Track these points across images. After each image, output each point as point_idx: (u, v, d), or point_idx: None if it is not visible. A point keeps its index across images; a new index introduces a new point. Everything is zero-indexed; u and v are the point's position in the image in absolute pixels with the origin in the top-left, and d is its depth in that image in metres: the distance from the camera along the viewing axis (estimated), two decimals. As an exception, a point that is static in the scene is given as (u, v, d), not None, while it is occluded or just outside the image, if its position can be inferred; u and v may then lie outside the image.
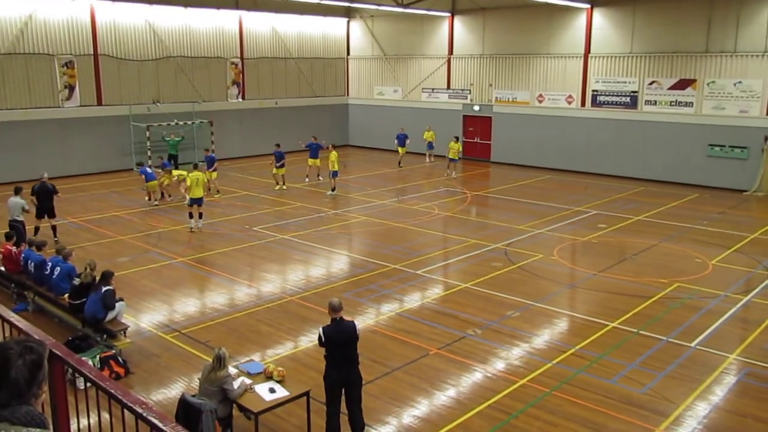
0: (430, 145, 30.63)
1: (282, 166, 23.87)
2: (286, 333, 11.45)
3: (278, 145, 24.22)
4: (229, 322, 11.92)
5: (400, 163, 30.13)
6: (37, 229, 16.33)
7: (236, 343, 10.84)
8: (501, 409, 8.92)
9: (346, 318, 7.96)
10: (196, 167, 19.61)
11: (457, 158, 27.70)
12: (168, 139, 27.05)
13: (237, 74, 32.13)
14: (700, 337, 11.34)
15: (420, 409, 8.96)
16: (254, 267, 15.30)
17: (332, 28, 36.23)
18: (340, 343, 7.68)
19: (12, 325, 4.29)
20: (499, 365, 10.30)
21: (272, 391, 7.82)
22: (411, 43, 34.45)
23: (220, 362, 7.62)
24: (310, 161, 26.10)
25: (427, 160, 31.00)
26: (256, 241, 17.31)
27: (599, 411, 8.86)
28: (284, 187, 23.92)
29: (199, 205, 18.10)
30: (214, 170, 22.97)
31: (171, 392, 9.23)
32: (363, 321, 11.82)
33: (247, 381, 7.93)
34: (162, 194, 22.07)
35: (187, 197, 18.13)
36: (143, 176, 21.33)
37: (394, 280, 14.32)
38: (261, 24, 32.69)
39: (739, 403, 9.24)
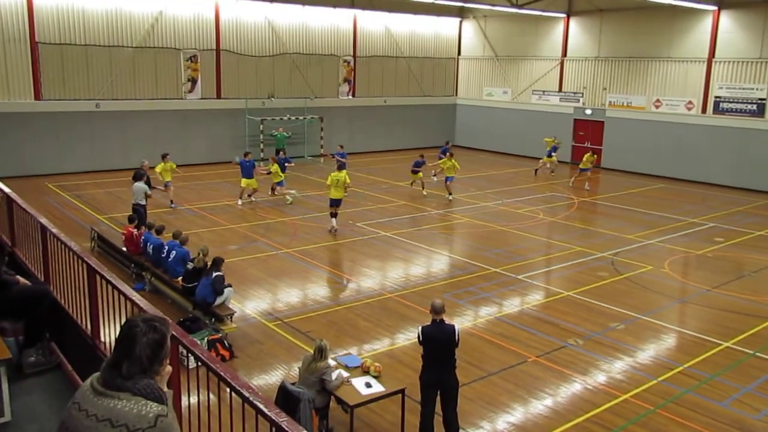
0: (554, 148, 28.32)
1: (416, 172, 23.56)
2: (384, 329, 11.61)
3: (422, 156, 24.24)
4: (329, 314, 12.22)
5: (549, 169, 28.65)
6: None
7: (335, 336, 11.10)
8: (600, 423, 8.65)
9: (447, 321, 7.96)
10: (340, 169, 18.34)
11: (588, 167, 25.33)
12: (276, 133, 27.87)
13: (349, 72, 32.81)
14: (826, 366, 10.52)
15: (515, 415, 8.84)
16: (356, 262, 15.59)
17: (444, 27, 36.23)
18: (438, 345, 7.70)
19: (133, 303, 4.62)
20: (601, 378, 9.98)
21: (368, 385, 7.96)
22: (523, 44, 33.86)
23: (321, 353, 7.85)
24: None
25: (547, 165, 28.55)
26: (359, 236, 17.63)
27: (707, 434, 8.42)
28: (424, 192, 23.18)
29: (337, 206, 17.72)
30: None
31: (271, 379, 9.59)
32: (461, 323, 11.79)
33: (345, 374, 8.11)
34: (272, 189, 21.94)
35: (289, 198, 19.63)
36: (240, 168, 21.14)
37: (494, 283, 14.17)
38: (374, 23, 33.19)
39: None
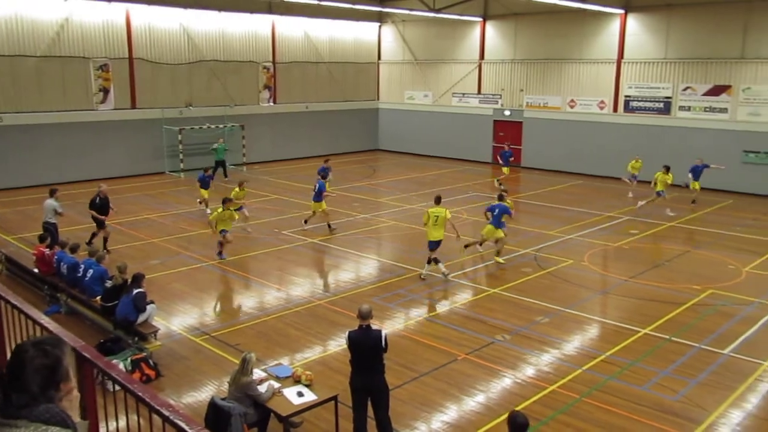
0: (634, 176, 24.53)
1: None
2: (314, 337, 11.51)
3: (326, 161, 23.73)
4: (258, 325, 12.01)
5: (499, 181, 25.55)
6: (94, 236, 16.49)
7: (265, 347, 10.92)
8: (530, 415, 8.73)
9: (378, 325, 7.96)
10: (438, 202, 14.91)
11: (663, 190, 21.37)
12: (216, 146, 27.07)
13: (269, 78, 32.46)
14: (734, 344, 11.13)
15: (449, 414, 8.93)
16: (283, 270, 15.40)
17: (364, 32, 36.39)
18: (365, 350, 7.68)
19: (42, 327, 4.37)
20: (529, 371, 10.22)
21: (300, 395, 7.86)
22: (442, 47, 34.43)
23: (244, 366, 7.69)
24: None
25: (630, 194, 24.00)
26: (285, 245, 17.44)
27: (630, 418, 8.74)
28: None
29: (436, 249, 14.45)
30: None
31: (201, 395, 9.33)
32: (391, 326, 11.83)
33: (276, 384, 7.98)
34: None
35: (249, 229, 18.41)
36: (199, 183, 21.12)
37: (422, 284, 14.29)
38: (293, 28, 32.97)
39: (776, 414, 9.04)
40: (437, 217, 14.22)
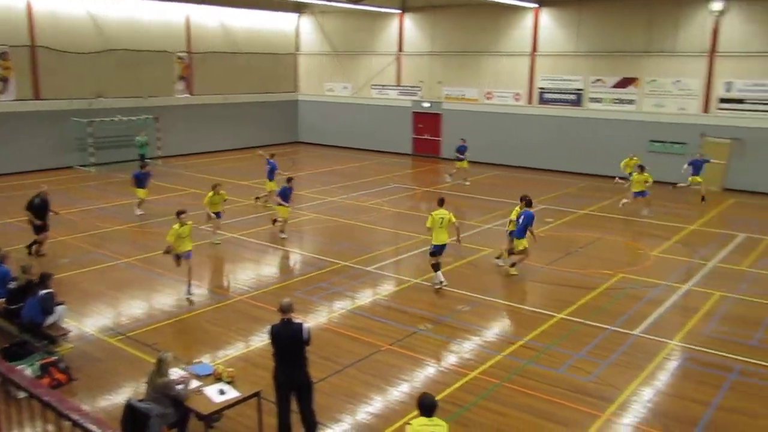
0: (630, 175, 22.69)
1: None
2: (236, 333, 11.30)
3: (272, 155, 21.91)
4: (177, 323, 11.69)
5: (464, 178, 25.66)
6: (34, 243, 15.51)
7: (185, 345, 10.64)
8: (453, 402, 9.00)
9: (300, 319, 7.89)
10: (441, 203, 13.81)
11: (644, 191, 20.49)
12: (139, 138, 26.17)
13: (184, 69, 31.51)
14: (643, 325, 11.69)
15: (373, 405, 8.97)
16: (202, 267, 15.03)
17: (282, 23, 35.87)
18: (286, 343, 7.60)
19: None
20: (451, 359, 10.39)
21: (222, 392, 7.70)
22: (361, 39, 34.39)
23: (160, 367, 7.46)
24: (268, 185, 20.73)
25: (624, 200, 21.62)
26: (204, 240, 17.01)
27: (548, 400, 9.04)
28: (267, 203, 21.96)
29: (440, 254, 13.69)
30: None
31: (117, 398, 8.98)
32: (314, 319, 11.76)
33: (195, 383, 7.78)
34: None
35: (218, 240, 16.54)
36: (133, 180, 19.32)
37: (345, 277, 14.28)
38: (209, 18, 32.11)
39: (681, 387, 9.57)
40: (442, 219, 13.32)
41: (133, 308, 12.44)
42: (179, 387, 7.52)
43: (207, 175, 26.01)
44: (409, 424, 6.16)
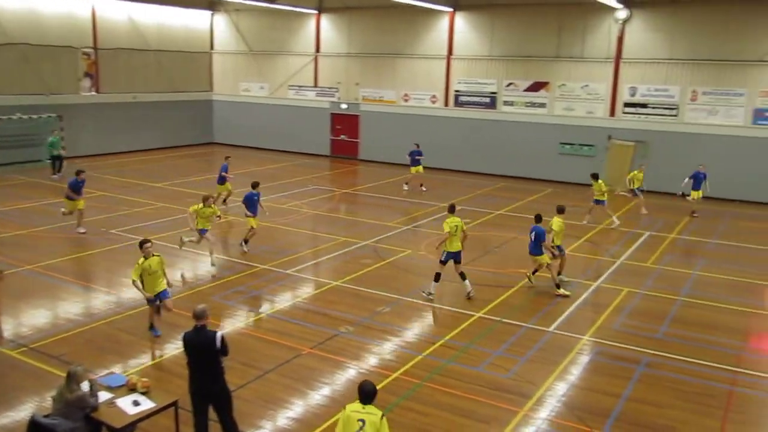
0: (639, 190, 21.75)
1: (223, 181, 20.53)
2: (150, 341, 10.86)
3: (227, 158, 21.09)
4: (86, 333, 11.12)
5: (420, 184, 24.75)
6: None
7: (95, 356, 10.14)
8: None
9: (217, 326, 7.64)
10: (452, 210, 13.71)
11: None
12: (52, 138, 24.80)
13: (90, 65, 30.12)
14: (557, 322, 12.07)
15: (295, 410, 8.83)
16: (113, 272, 14.39)
17: (195, 20, 34.91)
18: (199, 351, 7.34)
19: None
20: (372, 360, 10.38)
21: (136, 403, 7.37)
22: (278, 39, 33.95)
23: (72, 380, 7.05)
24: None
25: (643, 210, 21.70)
26: (114, 244, 16.31)
27: (469, 398, 9.17)
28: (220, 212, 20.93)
29: (457, 262, 13.19)
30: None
31: (20, 414, 8.44)
32: (233, 324, 11.48)
33: (107, 395, 7.41)
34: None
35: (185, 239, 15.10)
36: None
37: (263, 280, 14.03)
38: (117, 12, 30.84)
39: (593, 381, 9.93)
40: (456, 227, 12.96)
41: (37, 318, 11.75)
42: (92, 399, 7.14)
43: (118, 177, 25.00)
44: (344, 408, 6.27)
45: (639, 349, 11.01)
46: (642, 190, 21.58)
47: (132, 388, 7.66)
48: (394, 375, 9.83)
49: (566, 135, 26.92)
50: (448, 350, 10.76)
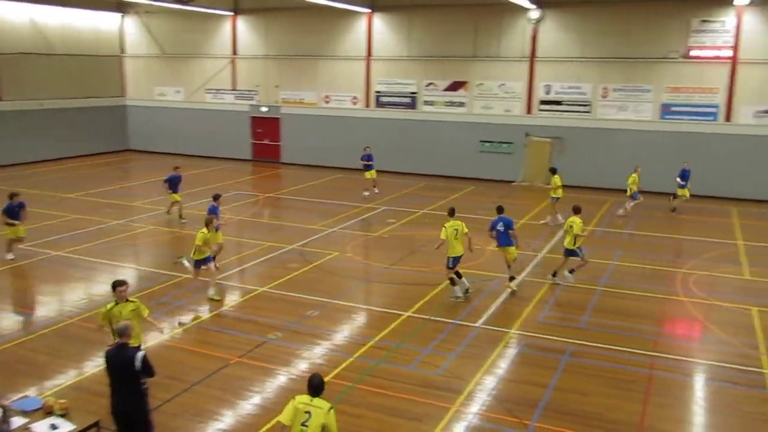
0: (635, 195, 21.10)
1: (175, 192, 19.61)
2: (67, 360, 10.35)
3: (176, 168, 20.22)
4: (-5, 353, 10.50)
5: (373, 187, 23.92)
6: None
7: (6, 379, 9.55)
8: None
9: (143, 338, 7.34)
10: (452, 214, 13.52)
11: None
12: None
13: (-9, 73, 28.51)
14: (484, 317, 12.29)
15: (224, 421, 8.62)
16: (24, 290, 13.65)
17: (103, 23, 33.57)
18: (118, 371, 7.03)
19: None
20: (302, 366, 10.26)
21: (54, 427, 7.00)
22: (193, 41, 33.10)
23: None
24: None
25: (620, 211, 21.50)
26: (25, 260, 15.48)
27: (401, 397, 9.20)
28: (183, 220, 19.46)
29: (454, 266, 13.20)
30: None
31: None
32: (156, 337, 11.08)
33: (21, 420, 7.00)
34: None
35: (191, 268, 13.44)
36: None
37: (187, 290, 13.63)
38: (17, 15, 29.27)
39: (521, 372, 10.17)
40: (456, 230, 12.90)
41: (-59, 342, 11.00)
42: (4, 426, 6.73)
43: (26, 189, 23.74)
44: (293, 398, 6.41)
45: (563, 339, 11.35)
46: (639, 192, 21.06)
47: (49, 411, 7.28)
48: (325, 379, 9.64)
49: (486, 133, 27.50)
50: (379, 351, 10.76)
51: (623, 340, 11.33)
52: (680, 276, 14.07)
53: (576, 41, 25.83)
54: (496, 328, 11.80)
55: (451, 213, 13.48)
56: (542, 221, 20.10)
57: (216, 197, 15.56)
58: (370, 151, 24.13)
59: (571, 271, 14.28)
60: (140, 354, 7.04)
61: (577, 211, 14.32)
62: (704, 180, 23.05)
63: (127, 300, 8.68)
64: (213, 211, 14.93)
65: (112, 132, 34.19)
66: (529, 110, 26.93)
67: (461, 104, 28.01)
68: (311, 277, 14.61)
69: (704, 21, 23.93)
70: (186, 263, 13.91)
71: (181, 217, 19.47)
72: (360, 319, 12.50)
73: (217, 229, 14.30)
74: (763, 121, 23.73)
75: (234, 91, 32.58)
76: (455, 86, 27.99)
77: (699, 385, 9.97)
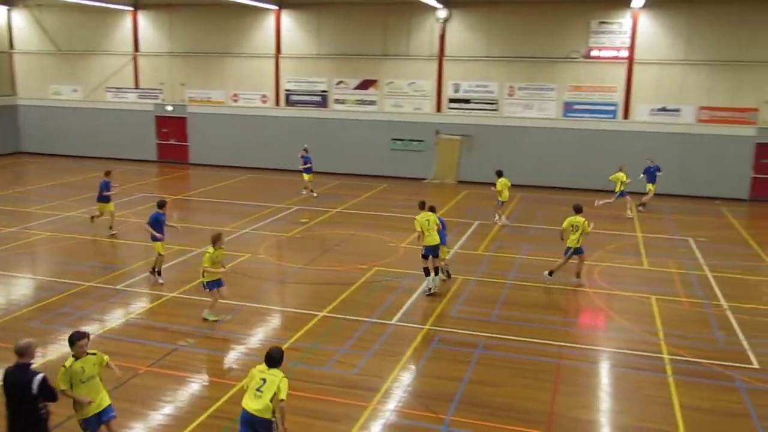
0: (622, 193, 21.18)
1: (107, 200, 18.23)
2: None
3: (107, 173, 18.63)
4: None
5: (310, 190, 23.52)
6: None
7: None
8: (222, 416, 8.66)
9: (41, 353, 6.88)
10: (423, 207, 13.78)
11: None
12: None
13: None
14: (399, 314, 12.38)
15: (133, 434, 8.27)
16: None
17: (-10, 18, 31.54)
18: (13, 391, 6.55)
19: None
20: (216, 372, 10.00)
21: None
22: (90, 38, 31.56)
23: None
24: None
25: (629, 213, 21.30)
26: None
27: (317, 398, 9.13)
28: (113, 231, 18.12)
29: (435, 255, 13.40)
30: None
31: None
32: (58, 350, 10.47)
33: None
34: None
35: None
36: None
37: (91, 299, 12.99)
38: None
39: (436, 367, 10.31)
40: (428, 220, 13.25)
41: None
42: None
43: None
44: (254, 367, 7.25)
45: (476, 333, 11.58)
46: (624, 193, 21.08)
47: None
48: (240, 384, 9.49)
49: (397, 131, 27.73)
50: (294, 352, 10.62)
51: (533, 332, 11.70)
52: (585, 268, 14.65)
53: (482, 41, 26.46)
54: (411, 325, 11.90)
55: (422, 206, 13.88)
56: (495, 221, 19.96)
57: (161, 204, 14.58)
58: (307, 152, 23.69)
59: (551, 273, 14.31)
60: (39, 377, 6.52)
61: (578, 210, 14.38)
62: (605, 175, 24.11)
63: (86, 354, 7.18)
64: (157, 219, 14.07)
65: (2, 133, 32.14)
66: (438, 108, 27.37)
67: (372, 102, 28.13)
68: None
69: (603, 22, 25.09)
70: (210, 317, 12.01)
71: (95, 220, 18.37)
72: (274, 321, 12.31)
73: (162, 238, 13.98)
74: (658, 119, 25.13)
75: (137, 90, 31.35)
76: (366, 84, 28.07)
77: (605, 372, 10.42)
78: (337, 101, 28.59)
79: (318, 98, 28.79)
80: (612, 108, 25.54)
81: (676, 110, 24.93)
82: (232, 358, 10.48)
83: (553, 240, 18.18)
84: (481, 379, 9.87)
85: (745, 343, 11.35)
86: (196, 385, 9.56)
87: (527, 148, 26.09)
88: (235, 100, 29.94)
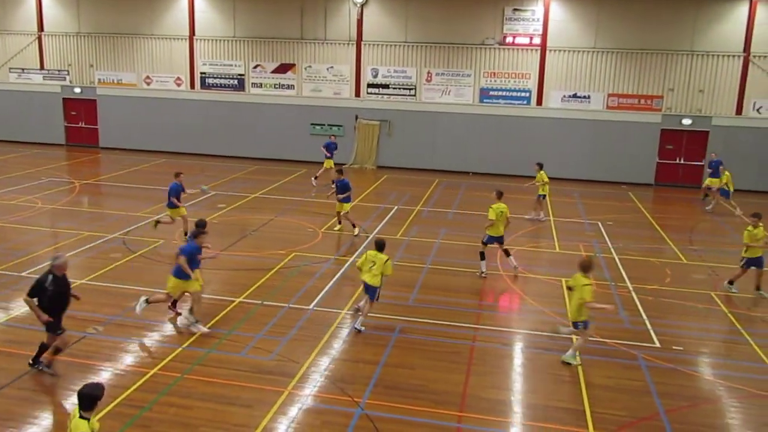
0: (725, 192, 21.27)
1: None
2: None
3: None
4: None
5: (317, 177, 23.13)
6: None
7: None
8: (132, 404, 8.48)
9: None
10: (500, 197, 14.25)
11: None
12: None
13: None
14: (317, 299, 12.41)
15: (40, 424, 8.03)
16: None
17: None
18: None
19: None
20: (127, 360, 9.77)
21: None
22: (-11, 14, 29.80)
23: None
24: None
25: (737, 211, 20.49)
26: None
27: (232, 385, 9.06)
28: None
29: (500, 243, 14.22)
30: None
31: None
32: (-46, 341, 9.97)
33: None
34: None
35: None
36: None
37: (-9, 287, 12.38)
38: None
39: (353, 351, 10.41)
40: (502, 212, 13.87)
41: None
42: None
43: None
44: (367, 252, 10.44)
45: (393, 317, 11.76)
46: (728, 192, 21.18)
47: None
48: (152, 371, 9.34)
49: (316, 116, 27.60)
50: (209, 339, 10.49)
51: (448, 315, 11.98)
52: (500, 252, 15.00)
53: (400, 26, 26.62)
54: (329, 310, 11.95)
55: (499, 195, 14.24)
56: (527, 216, 19.50)
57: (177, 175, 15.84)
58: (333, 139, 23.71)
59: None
60: None
61: (500, 195, 14.24)
62: (519, 161, 24.86)
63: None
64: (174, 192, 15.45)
65: None
66: (357, 93, 27.40)
67: (290, 87, 27.87)
68: (136, 267, 13.89)
69: (516, 10, 25.73)
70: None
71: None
72: (188, 306, 12.06)
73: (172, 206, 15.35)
74: (569, 105, 26.05)
75: (42, 71, 29.84)
76: (283, 68, 27.75)
77: (516, 353, 10.74)
78: (255, 85, 28.17)
79: (235, 81, 28.27)
80: (526, 94, 26.29)
81: (587, 97, 25.93)
82: (145, 344, 10.24)
83: (469, 224, 18.68)
84: (396, 362, 10.04)
85: (647, 323, 11.98)
86: (106, 373, 9.30)
87: (444, 133, 26.53)
88: (148, 83, 29.00)
